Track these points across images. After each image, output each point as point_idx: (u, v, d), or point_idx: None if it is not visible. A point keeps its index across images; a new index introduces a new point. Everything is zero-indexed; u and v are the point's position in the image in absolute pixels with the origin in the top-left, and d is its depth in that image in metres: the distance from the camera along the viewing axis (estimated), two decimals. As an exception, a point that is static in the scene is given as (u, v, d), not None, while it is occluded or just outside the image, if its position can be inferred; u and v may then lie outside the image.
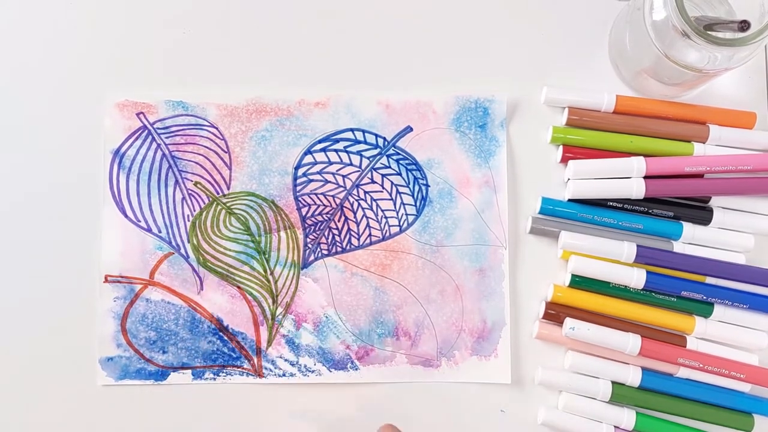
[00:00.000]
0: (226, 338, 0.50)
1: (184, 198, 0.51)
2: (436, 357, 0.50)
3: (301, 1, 0.52)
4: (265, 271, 0.51)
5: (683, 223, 0.50)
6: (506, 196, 0.51)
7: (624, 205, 0.50)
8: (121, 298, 0.50)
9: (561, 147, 0.51)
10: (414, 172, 0.51)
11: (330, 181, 0.51)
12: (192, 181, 0.51)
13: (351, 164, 0.51)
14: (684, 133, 0.50)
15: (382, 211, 0.51)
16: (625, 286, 0.49)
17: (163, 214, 0.50)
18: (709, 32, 0.42)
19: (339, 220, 0.51)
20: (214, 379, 0.50)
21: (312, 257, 0.51)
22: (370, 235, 0.51)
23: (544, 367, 0.50)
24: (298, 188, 0.51)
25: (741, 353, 0.50)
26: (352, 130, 0.51)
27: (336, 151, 0.51)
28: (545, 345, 0.51)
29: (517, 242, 0.51)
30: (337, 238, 0.51)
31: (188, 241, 0.50)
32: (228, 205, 0.51)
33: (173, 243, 0.50)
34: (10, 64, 0.51)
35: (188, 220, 0.51)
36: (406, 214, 0.51)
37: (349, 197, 0.51)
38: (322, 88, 0.51)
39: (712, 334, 0.50)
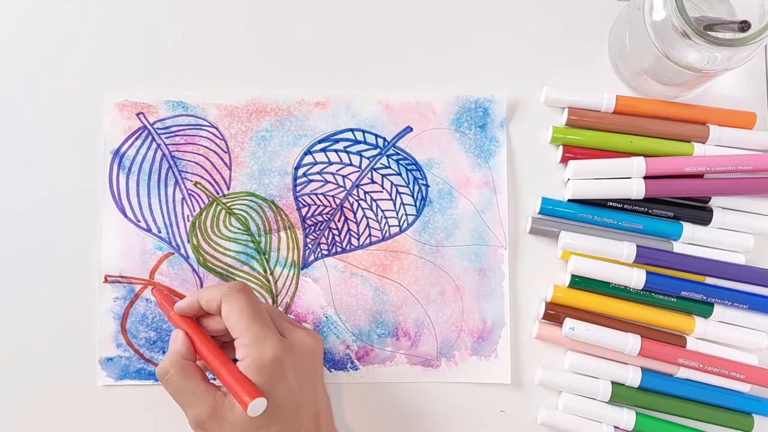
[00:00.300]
0: (226, 338, 0.50)
1: (183, 198, 0.51)
2: (436, 357, 0.50)
3: (301, 1, 0.52)
4: (265, 271, 0.51)
5: (683, 223, 0.50)
6: (506, 196, 0.51)
7: (624, 206, 0.50)
8: (121, 298, 0.50)
9: (561, 147, 0.51)
10: (414, 172, 0.51)
11: (330, 182, 0.51)
12: (192, 181, 0.51)
13: (351, 164, 0.51)
14: (684, 133, 0.50)
15: (382, 211, 0.51)
16: (625, 287, 0.49)
17: (162, 215, 0.50)
18: (709, 32, 0.42)
19: (339, 221, 0.51)
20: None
21: (312, 257, 0.51)
22: (370, 235, 0.51)
23: (543, 367, 0.50)
24: (298, 188, 0.51)
25: (741, 353, 0.50)
26: (352, 130, 0.51)
27: (336, 151, 0.51)
28: (545, 345, 0.51)
29: (517, 242, 0.51)
30: (337, 239, 0.51)
31: (188, 242, 0.50)
32: (228, 205, 0.51)
33: (173, 243, 0.50)
34: (10, 64, 0.51)
35: (188, 221, 0.51)
36: (406, 215, 0.51)
37: (349, 197, 0.51)
38: (322, 88, 0.51)
39: (712, 334, 0.50)
